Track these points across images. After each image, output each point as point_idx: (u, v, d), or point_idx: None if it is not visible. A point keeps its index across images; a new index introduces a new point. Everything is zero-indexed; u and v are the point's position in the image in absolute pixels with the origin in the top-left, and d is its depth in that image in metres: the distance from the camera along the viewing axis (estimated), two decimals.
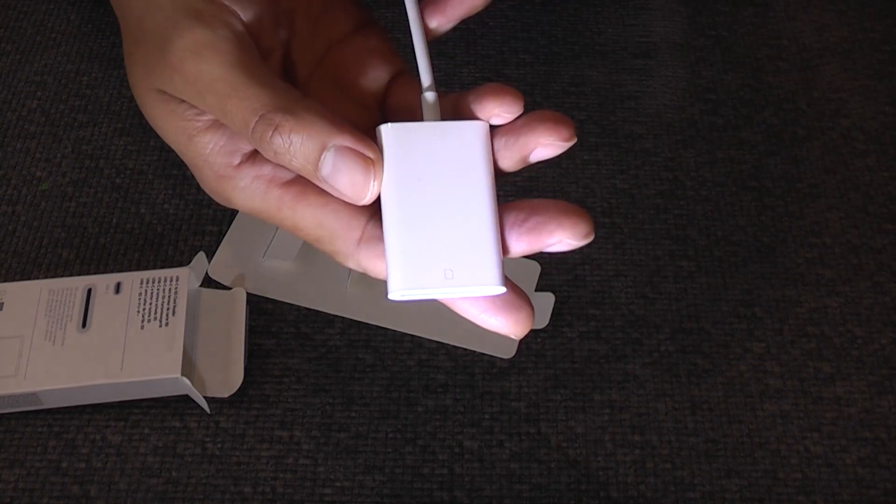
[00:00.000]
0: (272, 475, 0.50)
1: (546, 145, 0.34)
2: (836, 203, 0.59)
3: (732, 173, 0.61)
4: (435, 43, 0.39)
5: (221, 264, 0.56)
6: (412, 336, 0.54)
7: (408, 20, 0.37)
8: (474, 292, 0.34)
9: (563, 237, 0.33)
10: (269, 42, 0.37)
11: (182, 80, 0.34)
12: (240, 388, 0.51)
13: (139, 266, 0.56)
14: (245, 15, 0.36)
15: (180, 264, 0.56)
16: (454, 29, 0.40)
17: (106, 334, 0.51)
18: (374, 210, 0.35)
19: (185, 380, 0.50)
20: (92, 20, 0.68)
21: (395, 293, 0.33)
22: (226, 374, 0.52)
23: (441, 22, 0.39)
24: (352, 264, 0.35)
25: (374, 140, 0.34)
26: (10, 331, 0.51)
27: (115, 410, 0.51)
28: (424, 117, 0.36)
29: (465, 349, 0.54)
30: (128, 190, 0.59)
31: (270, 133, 0.33)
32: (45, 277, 0.55)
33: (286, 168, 0.34)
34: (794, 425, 0.51)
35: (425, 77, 0.36)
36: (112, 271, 0.56)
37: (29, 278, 0.56)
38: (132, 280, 0.53)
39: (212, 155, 0.35)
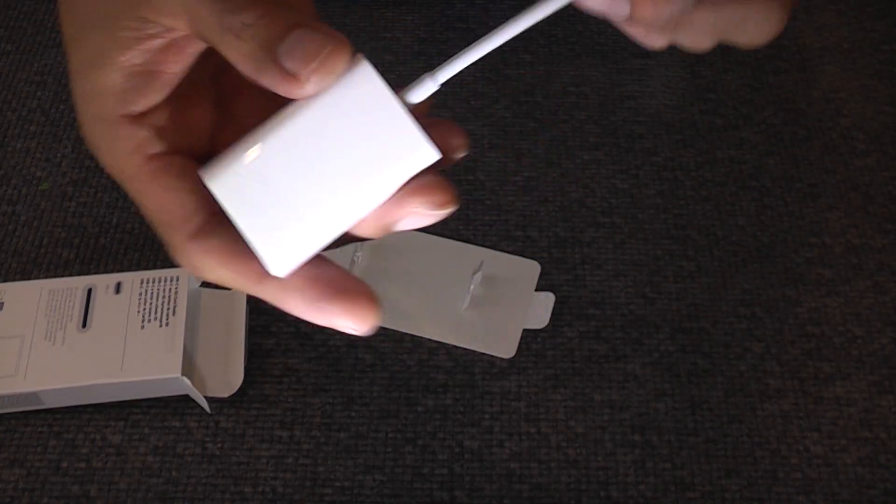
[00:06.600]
0: (272, 475, 0.50)
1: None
2: (836, 203, 0.59)
3: (732, 173, 0.61)
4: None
5: None
6: (412, 336, 0.54)
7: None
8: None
9: (417, 207, 0.32)
10: None
11: None
12: (240, 388, 0.51)
13: (139, 266, 0.56)
14: None
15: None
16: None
17: (106, 334, 0.51)
18: (215, 209, 0.33)
19: (186, 380, 0.50)
20: None
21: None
22: (226, 373, 0.52)
23: None
24: (182, 259, 0.34)
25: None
26: (10, 331, 0.51)
27: (115, 410, 0.51)
28: (408, 90, 0.33)
29: (465, 349, 0.54)
30: None
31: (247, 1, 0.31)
32: (45, 277, 0.55)
33: (229, 55, 0.31)
34: (794, 425, 0.51)
35: (448, 69, 0.34)
36: (112, 271, 0.56)
37: (29, 278, 0.56)
38: (132, 280, 0.53)
39: (110, 91, 0.33)
